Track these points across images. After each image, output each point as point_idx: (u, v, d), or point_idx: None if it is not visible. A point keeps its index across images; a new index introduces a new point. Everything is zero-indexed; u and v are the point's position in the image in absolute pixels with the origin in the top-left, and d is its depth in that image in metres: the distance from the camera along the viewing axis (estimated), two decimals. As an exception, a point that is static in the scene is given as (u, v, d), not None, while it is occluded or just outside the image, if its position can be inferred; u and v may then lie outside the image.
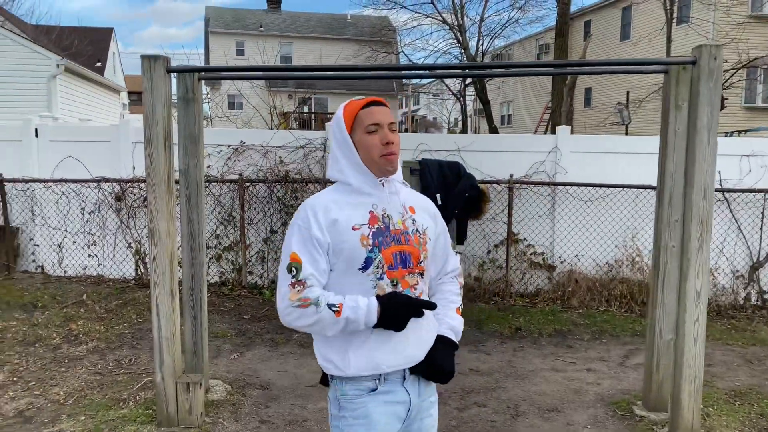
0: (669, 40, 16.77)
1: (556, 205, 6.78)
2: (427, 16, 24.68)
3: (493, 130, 23.46)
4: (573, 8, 20.54)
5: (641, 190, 6.47)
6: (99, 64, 26.57)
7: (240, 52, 34.53)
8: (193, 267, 4.14)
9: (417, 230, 1.87)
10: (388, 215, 1.83)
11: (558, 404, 4.24)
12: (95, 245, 7.11)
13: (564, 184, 6.65)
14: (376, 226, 1.80)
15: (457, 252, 2.09)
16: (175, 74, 3.94)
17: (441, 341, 1.90)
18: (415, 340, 1.84)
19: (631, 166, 6.61)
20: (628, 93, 20.12)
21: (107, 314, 5.97)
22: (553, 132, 8.19)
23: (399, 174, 1.91)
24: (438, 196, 5.70)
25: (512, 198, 6.61)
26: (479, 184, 5.93)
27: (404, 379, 1.85)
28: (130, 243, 6.97)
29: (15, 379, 4.47)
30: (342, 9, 50.15)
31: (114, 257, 7.11)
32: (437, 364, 1.86)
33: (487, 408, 4.17)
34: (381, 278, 1.79)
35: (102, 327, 5.61)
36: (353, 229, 1.77)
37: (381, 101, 1.88)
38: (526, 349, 5.37)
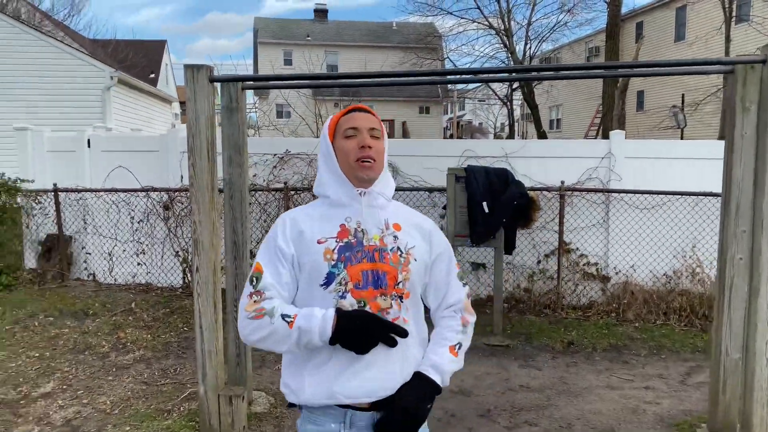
0: (728, 39, 16.13)
1: (610, 213, 6.50)
2: (473, 21, 24.48)
3: (542, 135, 23.02)
4: (624, 10, 20.02)
5: (701, 197, 6.14)
6: (152, 75, 27.32)
7: (287, 62, 35.01)
8: (237, 277, 4.10)
9: (398, 248, 1.69)
10: (362, 229, 1.68)
11: (614, 424, 4.01)
12: (144, 253, 7.21)
13: (619, 191, 6.37)
14: (345, 240, 1.66)
15: (464, 283, 1.84)
16: (219, 83, 3.92)
17: (417, 378, 1.66)
18: (384, 373, 1.62)
19: (689, 172, 6.30)
20: (683, 95, 19.42)
21: (154, 323, 6.02)
22: (605, 137, 7.90)
23: (385, 187, 1.76)
24: (485, 204, 5.54)
25: (563, 206, 6.37)
26: (528, 192, 5.73)
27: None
28: (178, 251, 7.04)
29: (65, 387, 4.52)
30: (388, 17, 50.40)
31: (162, 265, 7.19)
32: (399, 406, 1.61)
33: (539, 427, 3.97)
34: (343, 296, 1.62)
35: (149, 335, 5.65)
36: (318, 242, 1.65)
37: (365, 108, 1.78)
38: (580, 364, 5.14)
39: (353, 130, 1.71)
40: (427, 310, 1.81)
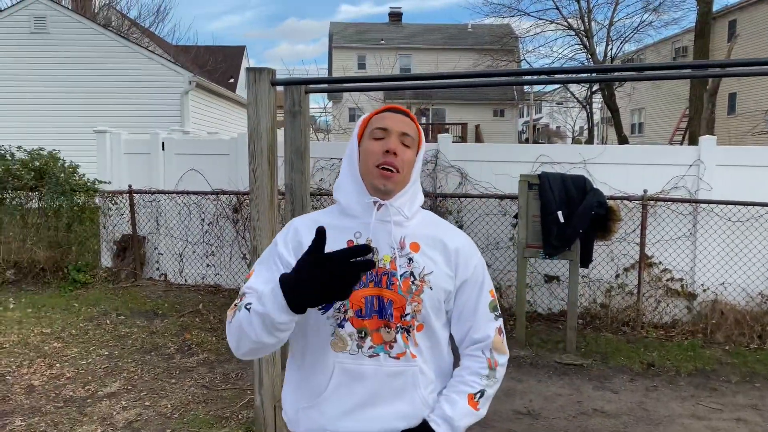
0: (833, 37, 14.83)
1: (698, 226, 6.01)
2: (552, 22, 23.76)
3: (623, 140, 22.04)
4: (716, 7, 18.85)
5: (804, 209, 5.58)
6: (231, 80, 28.17)
7: (361, 66, 35.29)
8: (297, 285, 3.99)
9: (411, 273, 1.46)
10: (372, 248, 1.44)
11: (701, 461, 3.63)
12: (213, 255, 7.30)
13: (709, 202, 5.87)
14: None
15: (497, 315, 1.57)
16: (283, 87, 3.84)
17: (422, 428, 1.44)
18: (388, 414, 1.43)
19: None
20: (780, 98, 18.07)
21: (220, 324, 6.05)
22: (691, 142, 7.35)
23: (408, 204, 1.51)
24: (560, 213, 5.22)
25: (646, 216, 5.93)
26: (608, 201, 5.36)
27: None
28: (245, 254, 7.07)
29: (129, 387, 4.57)
30: (463, 19, 50.00)
31: (230, 267, 7.26)
32: None
33: (615, 459, 3.65)
34: (341, 325, 1.43)
35: (214, 338, 5.67)
36: None
37: (402, 109, 1.57)
38: (661, 389, 4.73)
39: (382, 131, 1.50)
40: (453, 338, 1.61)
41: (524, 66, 26.06)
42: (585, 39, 22.77)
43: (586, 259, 5.39)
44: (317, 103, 31.30)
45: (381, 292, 1.44)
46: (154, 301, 6.73)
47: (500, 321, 1.57)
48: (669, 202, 6.02)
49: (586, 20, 22.60)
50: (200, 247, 7.34)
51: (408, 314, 1.44)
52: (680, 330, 5.88)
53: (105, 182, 7.45)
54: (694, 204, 5.99)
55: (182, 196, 7.30)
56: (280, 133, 4.02)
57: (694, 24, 16.72)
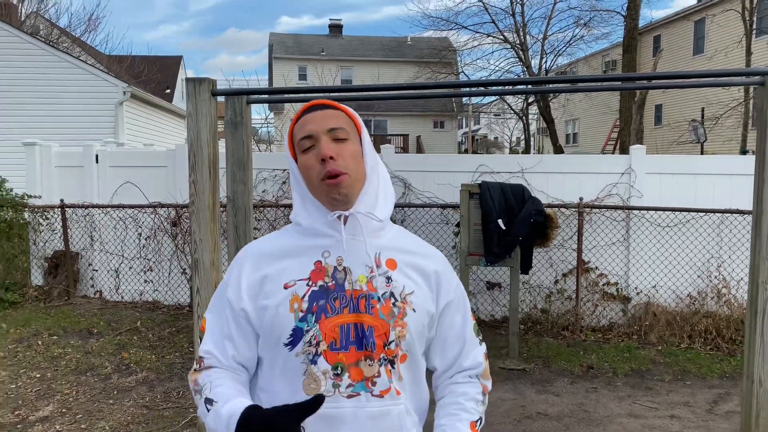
0: (748, 52, 15.88)
1: (631, 231, 6.26)
2: (488, 36, 24.36)
3: (558, 150, 22.77)
4: (641, 23, 19.79)
5: (727, 215, 5.90)
6: (168, 90, 27.53)
7: (302, 77, 35.13)
8: (240, 299, 3.93)
9: (391, 294, 1.27)
10: (344, 268, 1.27)
11: (639, 458, 3.77)
12: (151, 271, 7.08)
13: (640, 209, 6.14)
14: (319, 282, 1.25)
15: (480, 340, 1.42)
16: (223, 97, 3.78)
17: None
18: None
19: (714, 188, 6.06)
20: (703, 109, 19.12)
21: (160, 342, 5.87)
22: (622, 151, 7.67)
23: (375, 203, 1.32)
24: (500, 221, 5.33)
25: (582, 223, 6.14)
26: (546, 209, 5.52)
27: None
28: (185, 269, 6.90)
29: (64, 410, 4.37)
30: (402, 33, 50.63)
31: (169, 283, 7.06)
32: None
33: (558, 461, 3.74)
34: (314, 361, 1.22)
35: (153, 356, 5.49)
36: (285, 287, 1.25)
37: (322, 103, 1.34)
38: (600, 390, 4.88)
39: (308, 139, 1.28)
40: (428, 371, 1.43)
41: (462, 78, 26.60)
42: (520, 52, 23.46)
43: (526, 266, 5.52)
44: (258, 114, 31.01)
45: (359, 318, 1.24)
46: (88, 319, 6.46)
47: (484, 346, 1.43)
48: (603, 209, 6.25)
49: (522, 34, 23.31)
50: (137, 262, 7.12)
51: (392, 341, 1.25)
52: (616, 332, 6.10)
53: (35, 196, 7.12)
54: (626, 210, 6.24)
55: (118, 210, 7.06)
56: (221, 144, 3.96)
57: (622, 39, 17.50)
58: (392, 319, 1.25)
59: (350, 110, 1.34)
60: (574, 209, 6.17)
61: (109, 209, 7.08)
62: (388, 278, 1.28)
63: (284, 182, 6.81)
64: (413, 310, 1.28)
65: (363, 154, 1.32)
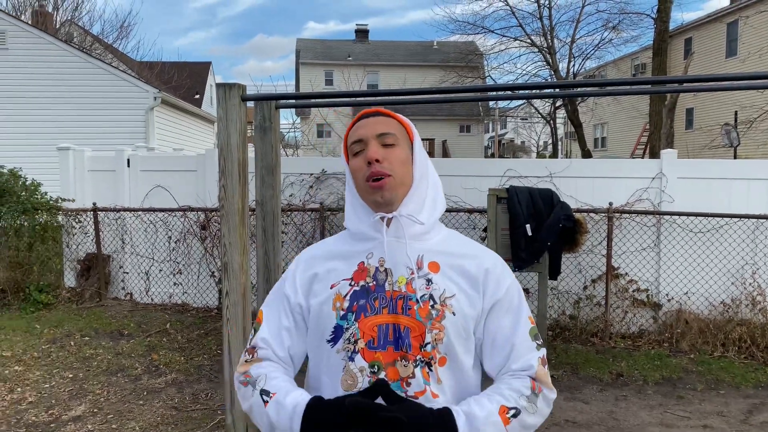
0: (783, 54, 15.47)
1: (662, 237, 6.15)
2: (515, 39, 24.21)
3: (586, 154, 22.50)
4: (672, 26, 19.47)
5: (762, 220, 5.76)
6: (197, 96, 27.96)
7: (329, 82, 35.39)
8: (268, 302, 3.96)
9: (431, 296, 1.27)
10: (385, 269, 1.29)
11: (671, 469, 3.69)
12: (180, 273, 7.18)
13: (671, 214, 6.02)
14: (361, 282, 1.29)
15: (538, 345, 1.35)
16: (252, 102, 3.82)
17: (441, 413, 1.18)
18: None
19: (747, 194, 5.93)
20: (736, 113, 18.71)
21: (188, 344, 5.94)
22: (652, 156, 7.55)
23: (420, 207, 1.34)
24: (528, 226, 5.28)
25: (612, 228, 6.05)
26: (574, 214, 5.46)
27: None
28: (214, 272, 6.98)
29: (95, 410, 4.45)
30: (429, 37, 50.65)
31: (198, 286, 7.15)
32: (394, 415, 1.13)
33: (587, 469, 3.68)
34: (352, 358, 1.25)
35: (182, 358, 5.56)
36: (331, 286, 1.31)
37: (375, 111, 1.39)
38: (630, 398, 4.80)
39: (358, 144, 1.34)
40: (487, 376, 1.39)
41: (489, 81, 26.49)
42: (548, 56, 23.27)
43: (554, 271, 5.46)
44: (285, 119, 31.26)
45: (397, 319, 1.26)
46: (119, 321, 6.57)
47: (543, 351, 1.34)
48: (633, 214, 6.15)
49: (549, 37, 23.12)
50: (167, 265, 7.22)
51: (428, 344, 1.25)
52: (647, 340, 5.99)
53: (68, 200, 7.28)
54: (657, 216, 6.13)
55: (148, 214, 7.18)
56: (250, 149, 4.00)
57: (652, 42, 17.24)
58: (429, 321, 1.25)
59: (403, 118, 1.39)
60: (603, 214, 6.09)
61: (139, 213, 7.20)
62: (429, 280, 1.29)
63: (311, 186, 6.85)
64: (452, 313, 1.27)
65: (413, 161, 1.36)
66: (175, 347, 5.84)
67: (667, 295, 6.17)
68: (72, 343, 5.85)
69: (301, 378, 1.43)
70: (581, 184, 6.28)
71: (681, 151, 23.11)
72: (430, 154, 29.16)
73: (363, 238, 1.35)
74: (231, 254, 3.57)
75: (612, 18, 23.34)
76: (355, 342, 1.26)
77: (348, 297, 1.28)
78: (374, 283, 1.29)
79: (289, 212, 6.74)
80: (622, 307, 6.21)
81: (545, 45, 23.25)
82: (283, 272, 4.10)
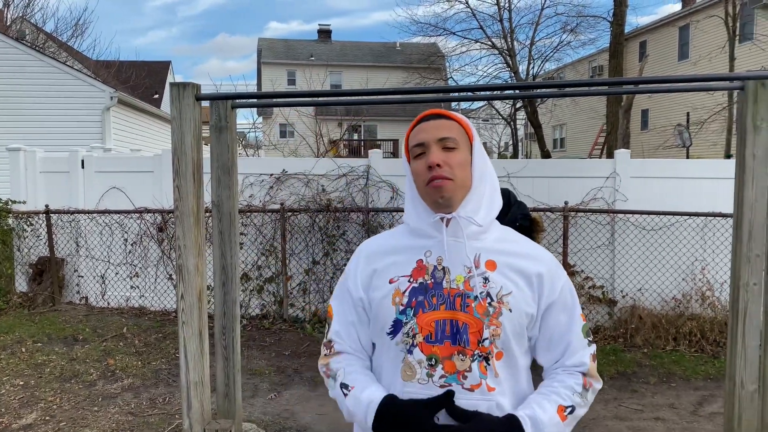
0: (731, 58, 16.06)
1: (616, 235, 6.31)
2: (476, 42, 24.46)
3: (546, 155, 22.88)
4: (627, 29, 19.95)
5: (711, 218, 5.95)
6: (156, 96, 27.43)
7: (291, 82, 35.13)
8: (226, 304, 3.91)
9: (488, 294, 1.33)
10: (443, 267, 1.36)
11: (624, 460, 3.79)
12: (137, 276, 7.04)
13: (625, 212, 6.19)
14: (420, 279, 1.36)
15: (590, 341, 1.44)
16: (207, 102, 3.78)
17: (508, 420, 1.28)
18: None
19: (698, 192, 6.12)
20: (688, 114, 19.30)
21: (146, 348, 5.83)
22: (609, 156, 7.72)
23: (478, 208, 1.39)
24: (487, 225, 5.35)
25: (567, 227, 6.18)
26: (531, 213, 5.53)
27: None
28: (171, 275, 6.87)
29: (47, 418, 4.33)
30: (391, 38, 50.81)
31: (155, 289, 7.02)
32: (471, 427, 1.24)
33: (544, 463, 3.74)
34: (410, 351, 1.33)
35: (139, 362, 5.45)
36: (390, 281, 1.38)
37: (439, 113, 1.44)
38: (586, 393, 4.90)
39: (420, 147, 1.39)
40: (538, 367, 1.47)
41: (451, 83, 26.71)
42: (508, 58, 23.57)
43: (512, 270, 5.53)
44: (246, 119, 30.95)
45: (455, 315, 1.32)
46: (74, 326, 6.41)
47: (594, 347, 1.45)
48: (588, 213, 6.29)
49: (509, 40, 23.42)
50: (123, 268, 7.07)
51: (486, 339, 1.32)
52: (603, 335, 6.13)
53: (19, 202, 7.07)
54: (611, 214, 6.29)
55: (104, 216, 7.02)
56: (207, 149, 3.95)
57: (608, 44, 17.64)
58: (487, 318, 1.32)
59: (464, 120, 1.44)
60: (559, 213, 6.21)
61: (95, 215, 7.04)
62: (486, 279, 1.35)
63: (271, 187, 6.80)
64: (509, 310, 1.34)
65: (472, 163, 1.42)
66: (132, 351, 5.73)
67: (621, 291, 6.33)
68: (23, 350, 5.69)
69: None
70: (538, 183, 6.39)
71: (637, 151, 23.73)
72: (394, 154, 29.27)
73: (422, 235, 1.41)
74: (186, 256, 3.51)
75: (570, 21, 23.80)
76: (414, 336, 1.33)
77: (407, 293, 1.35)
78: (432, 280, 1.36)
79: (248, 213, 6.68)
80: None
81: (506, 47, 23.55)
82: (240, 273, 4.07)
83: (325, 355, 1.46)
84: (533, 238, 5.84)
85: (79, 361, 5.45)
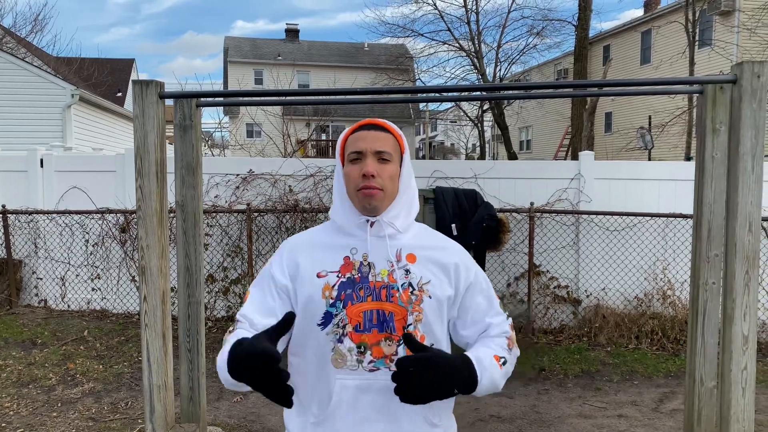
0: (692, 63, 16.45)
1: (580, 235, 6.41)
2: (444, 43, 24.60)
3: (512, 156, 23.14)
4: (591, 33, 20.32)
5: (671, 219, 6.09)
6: (119, 94, 26.88)
7: (258, 81, 34.81)
8: (190, 306, 3.84)
9: (410, 284, 1.47)
10: (369, 263, 1.49)
11: (588, 458, 3.84)
12: (99, 278, 6.88)
13: (589, 213, 6.29)
14: (347, 275, 1.47)
15: (507, 315, 1.60)
16: (171, 100, 3.71)
17: (461, 357, 1.40)
18: (394, 426, 1.45)
19: (660, 193, 6.26)
20: (650, 117, 19.72)
21: (108, 352, 5.70)
22: (574, 158, 7.85)
23: (398, 216, 1.53)
24: (454, 226, 5.38)
25: (533, 227, 6.25)
26: (498, 213, 5.60)
27: None
28: (134, 276, 6.73)
29: (3, 424, 4.19)
30: (359, 39, 50.74)
31: (118, 291, 6.87)
32: (427, 358, 1.31)
33: (510, 462, 3.78)
34: (341, 340, 1.44)
35: (101, 366, 5.33)
36: (318, 276, 1.48)
37: (377, 123, 1.54)
38: (552, 392, 4.97)
39: (357, 154, 1.50)
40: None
41: (418, 84, 26.79)
42: (476, 60, 23.77)
43: (479, 270, 5.57)
44: (212, 118, 30.56)
45: (381, 306, 1.46)
46: (32, 329, 6.23)
47: (510, 319, 1.60)
48: (553, 214, 6.38)
49: (476, 42, 23.62)
50: (84, 270, 6.90)
51: (410, 324, 1.46)
52: (567, 334, 6.22)
53: (-26, 202, 6.84)
54: (575, 215, 6.38)
55: (64, 216, 6.84)
56: (171, 148, 3.88)
57: (573, 48, 17.94)
58: (410, 305, 1.46)
59: (398, 132, 1.57)
60: (525, 214, 6.28)
61: (54, 215, 6.85)
62: (407, 270, 1.49)
63: (237, 187, 6.72)
64: (429, 297, 1.48)
65: (400, 174, 1.55)
66: (94, 355, 5.59)
67: (586, 291, 6.43)
68: (-22, 355, 5.50)
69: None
70: (504, 184, 6.45)
71: (601, 154, 24.17)
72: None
73: (348, 233, 1.52)
74: (149, 257, 3.44)
75: (536, 24, 24.14)
76: (344, 326, 1.44)
77: (336, 287, 1.46)
78: (359, 275, 1.47)
79: (214, 214, 6.59)
80: (543, 303, 6.43)
81: (473, 49, 23.74)
82: (205, 275, 3.99)
83: (229, 331, 1.48)
84: (500, 239, 5.87)
85: (38, 366, 5.30)
